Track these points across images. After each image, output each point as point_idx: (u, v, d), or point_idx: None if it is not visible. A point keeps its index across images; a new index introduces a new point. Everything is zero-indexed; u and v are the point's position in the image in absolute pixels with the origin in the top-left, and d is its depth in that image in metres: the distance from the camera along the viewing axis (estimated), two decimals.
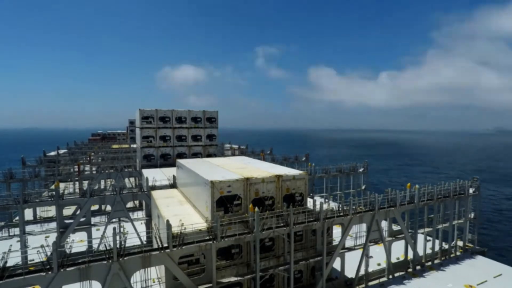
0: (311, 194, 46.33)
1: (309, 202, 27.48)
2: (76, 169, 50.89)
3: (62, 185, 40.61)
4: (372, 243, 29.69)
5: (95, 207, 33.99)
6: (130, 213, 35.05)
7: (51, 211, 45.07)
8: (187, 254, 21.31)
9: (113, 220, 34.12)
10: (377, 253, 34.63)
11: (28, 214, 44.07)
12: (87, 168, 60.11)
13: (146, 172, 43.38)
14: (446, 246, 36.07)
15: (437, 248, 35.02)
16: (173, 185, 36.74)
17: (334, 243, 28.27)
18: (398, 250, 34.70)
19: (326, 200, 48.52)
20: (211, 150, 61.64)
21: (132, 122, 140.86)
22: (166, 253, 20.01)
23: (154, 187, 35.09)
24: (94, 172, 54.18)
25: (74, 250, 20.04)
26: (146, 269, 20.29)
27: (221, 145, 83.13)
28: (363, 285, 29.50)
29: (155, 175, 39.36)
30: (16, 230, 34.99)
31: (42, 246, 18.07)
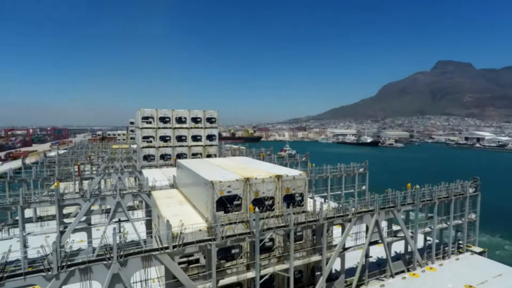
0: (311, 195, 46.31)
1: (309, 202, 27.48)
2: (76, 169, 50.87)
3: (62, 185, 40.61)
4: (372, 243, 29.69)
5: (95, 207, 33.92)
6: (130, 213, 35.03)
7: (51, 211, 45.03)
8: (187, 254, 21.32)
9: (113, 220, 34.11)
10: (377, 253, 34.64)
11: (28, 214, 44.01)
12: (87, 168, 60.07)
13: (146, 172, 43.37)
14: (446, 247, 36.08)
15: (437, 248, 35.03)
16: (173, 185, 36.75)
17: (334, 243, 28.28)
18: (398, 250, 34.73)
19: (326, 200, 48.51)
20: (211, 150, 61.61)
21: (132, 122, 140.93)
22: (166, 253, 20.02)
23: (154, 187, 35.10)
24: (94, 172, 54.18)
25: (74, 250, 20.03)
26: (146, 269, 20.31)
27: (221, 145, 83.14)
28: (363, 285, 29.50)
29: (155, 175, 39.34)
30: (16, 230, 34.94)
31: (42, 246, 18.07)
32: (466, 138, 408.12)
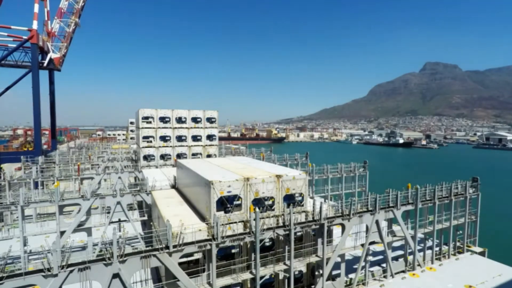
0: (311, 195, 46.31)
1: (309, 202, 27.48)
2: (76, 169, 50.91)
3: (62, 185, 40.61)
4: (372, 243, 29.68)
5: (95, 207, 33.92)
6: (130, 213, 35.02)
7: (51, 211, 45.05)
8: (187, 254, 21.32)
9: (113, 220, 34.11)
10: (377, 253, 34.64)
11: (28, 214, 44.04)
12: (87, 168, 60.12)
13: (146, 172, 43.39)
14: (446, 246, 36.07)
15: (437, 248, 35.02)
16: (173, 185, 36.74)
17: (334, 243, 28.27)
18: (398, 250, 34.74)
19: (326, 200, 48.49)
20: (211, 150, 61.64)
21: (132, 123, 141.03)
22: (166, 253, 20.02)
23: (154, 187, 35.11)
24: (94, 172, 54.21)
25: (74, 250, 20.03)
26: (146, 269, 20.31)
27: (221, 145, 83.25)
28: (363, 285, 29.50)
29: (155, 175, 39.37)
30: (16, 230, 34.96)
31: (42, 246, 18.06)
32: (487, 139, 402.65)
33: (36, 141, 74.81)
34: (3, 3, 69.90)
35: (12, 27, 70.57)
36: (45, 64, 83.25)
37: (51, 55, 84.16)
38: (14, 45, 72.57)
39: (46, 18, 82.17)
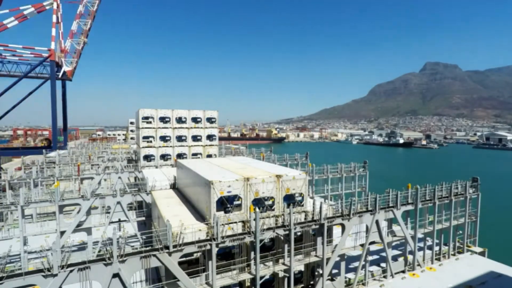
0: (310, 195, 46.30)
1: (309, 202, 27.47)
2: (76, 169, 50.93)
3: (62, 185, 40.64)
4: (372, 243, 29.68)
5: (95, 207, 33.93)
6: (130, 213, 35.05)
7: (51, 211, 45.10)
8: (187, 254, 21.32)
9: (113, 220, 34.11)
10: (377, 253, 34.65)
11: (28, 213, 44.07)
12: (87, 168, 60.17)
13: (146, 172, 43.38)
14: (446, 247, 36.07)
15: (437, 248, 35.01)
16: (173, 185, 36.75)
17: (334, 243, 28.27)
18: (398, 250, 34.74)
19: (326, 200, 48.46)
20: (211, 150, 61.64)
21: (132, 123, 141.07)
22: (166, 253, 20.02)
23: (154, 187, 35.11)
24: (94, 172, 54.20)
25: (74, 250, 20.02)
26: (146, 269, 20.30)
27: (221, 145, 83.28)
28: (363, 285, 29.51)
29: (155, 175, 39.36)
30: (16, 230, 34.98)
31: (42, 247, 18.07)
32: (488, 139, 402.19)
33: (53, 138, 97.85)
34: (25, 24, 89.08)
35: (36, 48, 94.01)
36: (59, 76, 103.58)
37: (65, 68, 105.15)
38: (31, 59, 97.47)
39: (60, 38, 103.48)
